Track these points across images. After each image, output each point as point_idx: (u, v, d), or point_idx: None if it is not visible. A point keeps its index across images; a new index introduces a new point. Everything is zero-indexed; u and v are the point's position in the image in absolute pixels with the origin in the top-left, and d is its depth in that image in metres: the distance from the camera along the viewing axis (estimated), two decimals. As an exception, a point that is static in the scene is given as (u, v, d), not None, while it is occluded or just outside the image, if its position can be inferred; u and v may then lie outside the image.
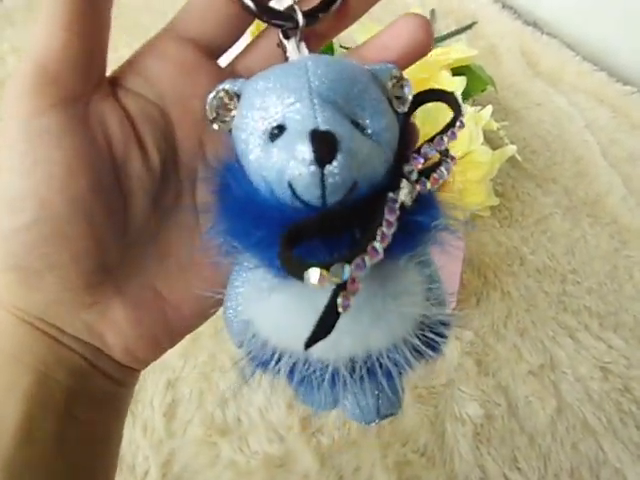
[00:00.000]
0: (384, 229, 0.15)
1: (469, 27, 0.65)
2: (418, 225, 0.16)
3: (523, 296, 0.45)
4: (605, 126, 0.57)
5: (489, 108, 0.43)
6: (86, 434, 0.20)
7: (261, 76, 0.17)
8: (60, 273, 0.18)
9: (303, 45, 0.19)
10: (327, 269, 0.13)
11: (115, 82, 0.19)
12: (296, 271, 0.14)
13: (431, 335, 0.18)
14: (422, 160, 0.17)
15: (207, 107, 0.18)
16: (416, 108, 0.19)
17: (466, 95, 0.46)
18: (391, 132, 0.17)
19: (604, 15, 0.61)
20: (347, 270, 0.14)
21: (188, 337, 0.40)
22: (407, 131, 0.18)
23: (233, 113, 0.18)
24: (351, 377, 0.17)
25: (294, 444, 0.38)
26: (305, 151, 0.14)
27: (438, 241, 0.17)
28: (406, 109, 0.18)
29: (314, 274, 0.13)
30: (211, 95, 0.18)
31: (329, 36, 0.21)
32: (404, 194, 0.16)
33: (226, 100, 0.18)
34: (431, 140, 0.17)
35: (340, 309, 0.14)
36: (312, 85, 0.16)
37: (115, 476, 0.22)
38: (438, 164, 0.17)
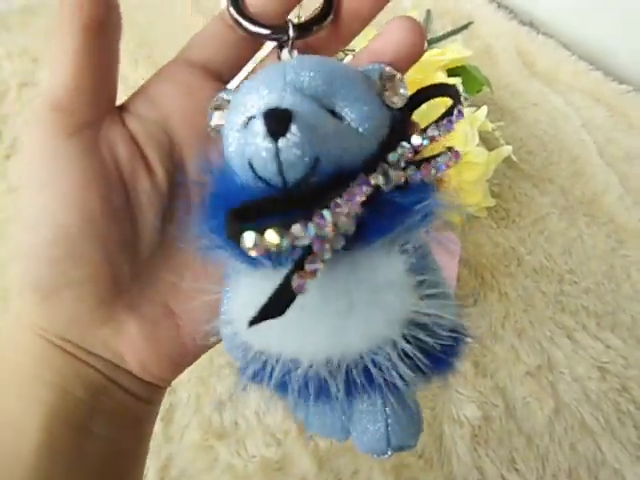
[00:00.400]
0: (339, 200, 0.14)
1: (465, 27, 0.65)
2: (396, 206, 0.16)
3: (520, 296, 0.45)
4: (601, 125, 0.57)
5: (484, 109, 0.43)
6: (107, 449, 0.20)
7: (249, 79, 0.18)
8: (76, 291, 0.19)
9: (295, 53, 0.20)
10: (262, 232, 0.13)
11: (124, 107, 0.20)
12: (234, 235, 0.13)
13: (429, 341, 0.16)
14: (410, 148, 0.16)
15: (208, 115, 0.19)
16: (418, 105, 0.19)
17: (462, 96, 0.46)
18: (374, 121, 0.17)
19: (600, 15, 0.61)
20: (286, 236, 0.13)
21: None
22: (404, 127, 0.18)
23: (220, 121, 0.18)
24: (334, 384, 0.15)
25: (292, 448, 0.38)
26: (258, 125, 0.14)
27: (426, 227, 0.16)
28: (400, 104, 0.18)
29: (249, 238, 0.13)
30: (210, 104, 0.19)
31: (325, 53, 0.21)
32: (379, 178, 0.15)
33: (223, 107, 0.18)
34: (424, 130, 0.17)
35: (295, 289, 0.13)
36: (287, 77, 0.16)
37: None
38: (437, 155, 0.17)
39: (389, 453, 0.17)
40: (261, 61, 0.22)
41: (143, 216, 0.20)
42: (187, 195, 0.21)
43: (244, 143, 0.15)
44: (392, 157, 0.16)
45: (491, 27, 0.64)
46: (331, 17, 0.20)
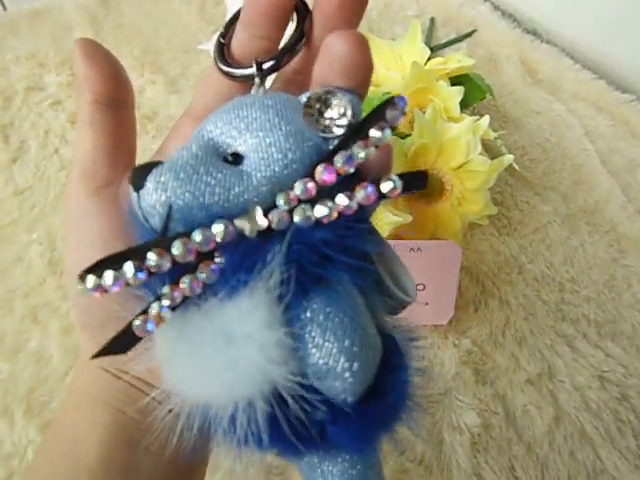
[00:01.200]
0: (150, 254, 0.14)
1: (469, 35, 0.65)
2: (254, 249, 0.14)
3: (521, 305, 0.45)
4: (604, 134, 0.57)
5: (487, 118, 0.44)
6: (161, 465, 0.22)
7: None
8: (114, 327, 0.20)
9: (261, 89, 0.19)
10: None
11: None
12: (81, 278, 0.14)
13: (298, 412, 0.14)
14: (312, 184, 0.15)
15: None
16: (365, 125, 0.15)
17: (465, 104, 0.46)
18: (270, 152, 0.15)
19: (604, 24, 0.61)
20: (122, 273, 0.14)
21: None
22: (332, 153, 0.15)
23: None
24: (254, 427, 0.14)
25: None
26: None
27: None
28: (335, 134, 0.16)
29: (89, 280, 0.14)
30: None
31: (305, 79, 0.21)
32: (244, 223, 0.14)
33: None
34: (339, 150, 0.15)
35: (136, 331, 0.14)
36: (205, 125, 0.17)
37: None
38: (333, 194, 0.15)
39: None
40: None
41: None
42: None
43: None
44: (277, 199, 0.15)
45: (495, 35, 0.65)
46: (302, 43, 0.20)
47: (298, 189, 0.14)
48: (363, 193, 0.14)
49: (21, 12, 0.65)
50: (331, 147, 0.16)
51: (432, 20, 0.65)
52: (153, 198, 0.15)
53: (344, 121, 0.16)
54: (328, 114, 0.16)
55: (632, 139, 0.56)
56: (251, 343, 0.14)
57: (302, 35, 0.20)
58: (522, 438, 0.39)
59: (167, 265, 0.14)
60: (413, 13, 0.66)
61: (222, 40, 0.21)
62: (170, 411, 0.16)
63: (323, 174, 0.14)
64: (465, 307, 0.44)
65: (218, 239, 0.14)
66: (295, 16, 0.20)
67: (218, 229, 0.14)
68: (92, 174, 0.21)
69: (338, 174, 0.15)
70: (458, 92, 0.45)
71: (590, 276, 0.47)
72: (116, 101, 0.22)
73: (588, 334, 0.44)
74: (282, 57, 0.20)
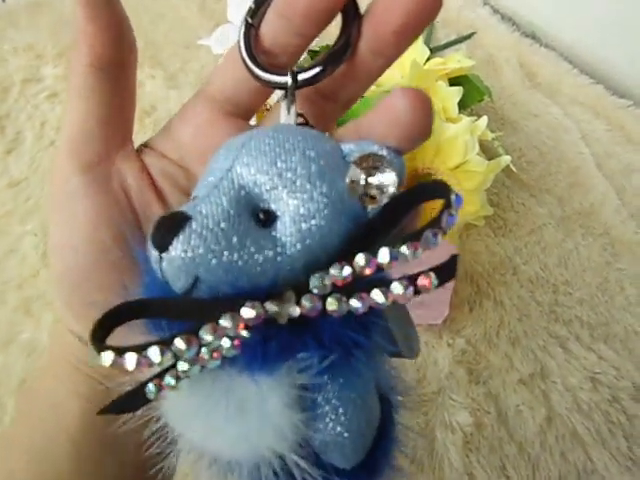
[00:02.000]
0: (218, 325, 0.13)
1: (468, 37, 0.65)
2: (289, 341, 0.14)
3: (515, 305, 0.45)
4: (600, 138, 0.57)
5: (485, 119, 0.44)
6: (140, 442, 0.21)
7: (235, 139, 0.16)
8: (98, 311, 0.20)
9: (293, 107, 0.17)
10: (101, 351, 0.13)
11: (147, 144, 0.22)
12: (97, 351, 0.13)
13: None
14: (349, 272, 0.13)
15: None
16: (405, 206, 0.14)
17: (463, 105, 0.47)
18: (309, 224, 0.14)
19: (602, 29, 0.62)
20: (144, 357, 0.13)
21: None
22: (369, 238, 0.14)
23: None
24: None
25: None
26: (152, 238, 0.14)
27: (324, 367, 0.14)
28: (378, 204, 0.14)
29: (107, 357, 0.13)
30: None
31: (344, 94, 0.19)
32: (273, 307, 0.13)
33: None
34: (375, 250, 0.13)
35: (148, 396, 0.14)
36: (234, 164, 0.15)
37: None
38: (370, 286, 0.13)
39: None
40: (269, 109, 0.22)
41: None
42: None
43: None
44: (312, 282, 0.13)
45: (494, 38, 0.65)
46: (346, 55, 0.17)
47: (335, 272, 0.13)
48: (400, 290, 0.13)
49: (20, 4, 0.64)
50: (369, 216, 0.14)
51: (432, 22, 0.66)
52: (179, 268, 0.13)
53: (391, 191, 0.14)
54: (375, 181, 0.14)
55: (628, 144, 0.57)
56: (266, 422, 0.14)
57: (348, 45, 0.17)
58: (514, 438, 0.39)
59: (194, 351, 0.13)
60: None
61: (250, 20, 0.18)
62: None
63: (365, 267, 0.13)
64: (460, 307, 0.45)
65: (247, 323, 0.13)
66: (342, 18, 0.17)
67: (248, 314, 0.13)
68: (83, 149, 0.20)
69: (378, 269, 0.13)
70: (457, 92, 0.45)
71: (584, 279, 0.47)
72: (116, 64, 0.19)
73: (581, 336, 0.44)
74: (323, 70, 0.17)
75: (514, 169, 0.51)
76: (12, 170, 0.51)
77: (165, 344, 0.13)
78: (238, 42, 0.18)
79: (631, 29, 0.59)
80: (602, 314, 0.45)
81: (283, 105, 0.17)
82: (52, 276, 0.21)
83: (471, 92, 0.49)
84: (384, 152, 0.15)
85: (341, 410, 0.14)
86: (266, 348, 0.13)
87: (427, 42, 0.62)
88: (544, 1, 0.66)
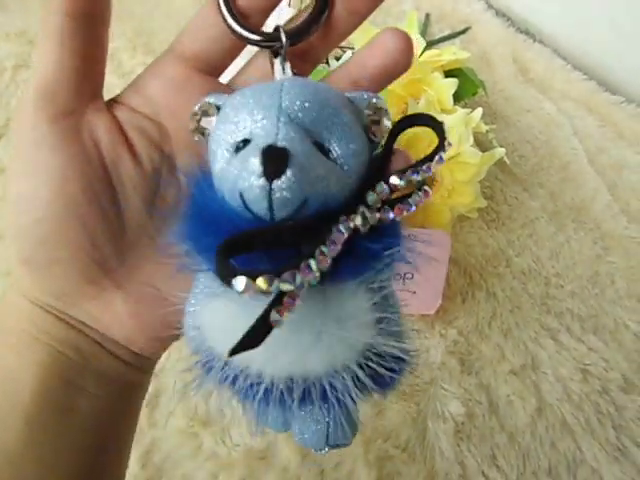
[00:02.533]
0: (323, 248, 0.15)
1: (463, 32, 0.65)
2: (369, 251, 0.16)
3: (508, 297, 0.46)
4: (593, 134, 0.57)
5: (479, 110, 0.44)
6: (99, 408, 0.21)
7: (239, 92, 0.18)
8: (63, 268, 0.20)
9: (288, 65, 0.19)
10: (254, 279, 0.13)
11: (117, 100, 0.21)
12: (225, 277, 0.14)
13: (379, 368, 0.17)
14: (387, 190, 0.17)
15: (189, 117, 0.18)
16: (400, 133, 0.18)
17: (457, 98, 0.47)
18: (358, 158, 0.17)
19: (595, 26, 0.62)
20: (275, 283, 0.14)
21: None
22: (384, 159, 0.18)
23: (206, 126, 0.18)
24: (290, 397, 0.17)
25: (276, 437, 0.38)
26: (255, 164, 0.15)
27: (392, 271, 0.17)
28: (381, 139, 0.18)
29: (240, 282, 0.13)
30: (195, 107, 0.18)
31: (317, 54, 0.21)
32: (358, 220, 0.16)
33: (209, 112, 0.18)
34: (403, 171, 0.17)
35: (273, 323, 0.14)
36: (282, 104, 0.16)
37: (127, 462, 0.24)
38: (408, 195, 0.17)
39: (326, 450, 0.19)
40: (252, 57, 0.22)
41: (127, 200, 0.20)
42: (176, 186, 0.21)
43: (237, 175, 0.16)
44: (370, 199, 0.16)
45: (488, 33, 0.65)
46: (324, 17, 0.19)
47: (380, 189, 0.17)
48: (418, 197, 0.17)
49: (11, -11, 0.63)
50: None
51: (427, 16, 0.66)
52: (294, 192, 0.15)
53: (385, 132, 0.18)
54: (384, 124, 0.18)
55: (619, 140, 0.57)
56: (355, 322, 0.16)
57: (326, 5, 0.19)
58: (505, 427, 0.40)
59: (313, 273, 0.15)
60: (409, 8, 0.67)
61: None
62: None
63: (396, 180, 0.17)
64: (452, 298, 0.45)
65: (342, 242, 0.16)
66: None
67: (356, 223, 0.16)
68: (53, 98, 0.19)
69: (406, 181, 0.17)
70: (452, 84, 0.45)
71: (575, 271, 0.48)
72: (92, 16, 0.19)
73: (572, 328, 0.44)
74: (309, 28, 0.19)
75: (508, 162, 0.51)
76: (1, 156, 0.50)
77: (292, 268, 0.14)
78: (217, 5, 0.19)
79: (624, 26, 0.59)
80: (592, 307, 0.46)
81: (277, 63, 0.19)
82: (11, 231, 0.20)
83: (465, 85, 0.49)
84: (379, 102, 0.18)
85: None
86: (355, 257, 0.16)
87: (422, 37, 0.62)
88: (538, -3, 0.66)
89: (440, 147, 0.17)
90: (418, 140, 0.42)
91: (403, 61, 0.19)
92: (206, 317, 0.18)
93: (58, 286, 0.20)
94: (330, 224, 0.16)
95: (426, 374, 0.41)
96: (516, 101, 0.60)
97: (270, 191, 0.15)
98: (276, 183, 0.15)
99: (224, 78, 0.22)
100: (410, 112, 0.41)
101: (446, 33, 0.65)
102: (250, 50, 0.21)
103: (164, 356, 0.40)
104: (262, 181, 0.15)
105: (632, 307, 0.46)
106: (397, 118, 0.48)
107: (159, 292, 0.21)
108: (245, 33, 0.19)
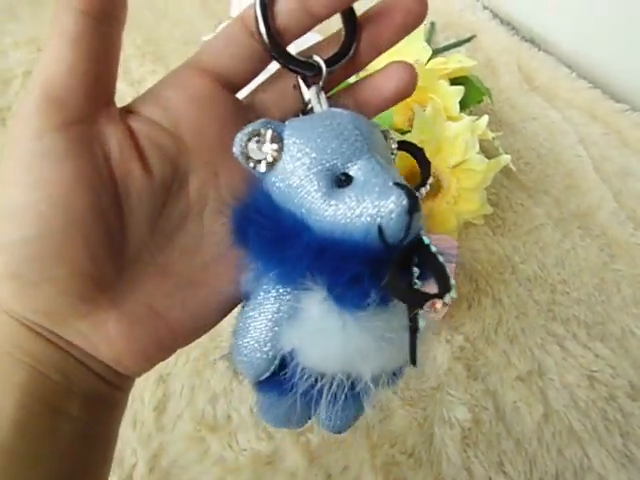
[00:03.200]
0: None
1: (468, 40, 0.66)
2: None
3: (514, 304, 0.46)
4: (597, 142, 0.58)
5: (485, 118, 0.44)
6: (80, 431, 0.20)
7: (309, 124, 0.19)
8: (56, 286, 0.18)
9: (323, 95, 0.20)
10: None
11: (131, 108, 0.20)
12: (401, 293, 0.16)
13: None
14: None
15: (240, 145, 0.18)
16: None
17: (463, 105, 0.47)
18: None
19: (600, 35, 0.63)
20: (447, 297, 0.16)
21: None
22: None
23: (271, 155, 0.18)
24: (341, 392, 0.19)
25: (282, 442, 0.38)
26: (403, 200, 0.16)
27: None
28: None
29: (438, 304, 0.16)
30: (246, 131, 0.18)
31: (333, 84, 0.22)
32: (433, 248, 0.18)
33: (266, 140, 0.18)
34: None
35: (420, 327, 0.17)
36: (367, 140, 0.18)
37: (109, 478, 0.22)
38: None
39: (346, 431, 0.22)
40: (271, 76, 0.22)
41: (133, 217, 0.19)
42: (186, 203, 0.20)
43: (375, 209, 0.17)
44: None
45: (494, 41, 0.66)
46: (353, 47, 0.20)
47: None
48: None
49: (22, -3, 0.64)
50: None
51: (432, 24, 0.66)
52: (413, 223, 0.17)
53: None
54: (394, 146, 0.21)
55: (624, 148, 0.57)
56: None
57: (354, 35, 0.20)
58: (511, 434, 0.39)
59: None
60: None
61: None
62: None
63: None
64: (459, 304, 0.45)
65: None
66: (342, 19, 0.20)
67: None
68: (63, 104, 0.17)
69: None
70: (458, 92, 0.45)
71: (581, 278, 0.48)
72: (108, 14, 0.18)
73: (578, 334, 0.44)
74: (342, 58, 0.20)
75: (513, 168, 0.51)
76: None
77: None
78: (256, 24, 0.19)
79: (628, 35, 0.60)
80: (599, 313, 0.46)
81: (313, 92, 0.20)
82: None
83: (471, 92, 0.49)
84: (391, 132, 0.21)
85: None
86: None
87: (428, 44, 0.62)
88: (543, 6, 0.67)
89: (424, 181, 0.20)
90: (425, 147, 0.42)
91: (410, 90, 0.21)
92: (302, 336, 0.18)
93: (48, 304, 0.19)
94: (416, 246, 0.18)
95: (432, 380, 0.41)
96: (521, 109, 0.60)
97: (409, 223, 0.17)
98: (413, 216, 0.17)
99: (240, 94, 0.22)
100: (416, 120, 0.41)
101: (452, 41, 0.65)
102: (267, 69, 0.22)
103: (171, 361, 0.41)
104: (407, 216, 0.17)
105: (639, 314, 0.46)
106: (404, 126, 0.48)
107: (155, 311, 0.20)
108: (283, 59, 0.20)
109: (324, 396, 0.18)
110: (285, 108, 0.22)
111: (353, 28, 0.20)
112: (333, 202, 0.17)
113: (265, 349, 0.19)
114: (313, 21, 0.19)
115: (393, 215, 0.16)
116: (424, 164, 0.21)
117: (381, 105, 0.22)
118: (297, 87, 0.20)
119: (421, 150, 0.21)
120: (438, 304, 0.16)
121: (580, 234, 0.51)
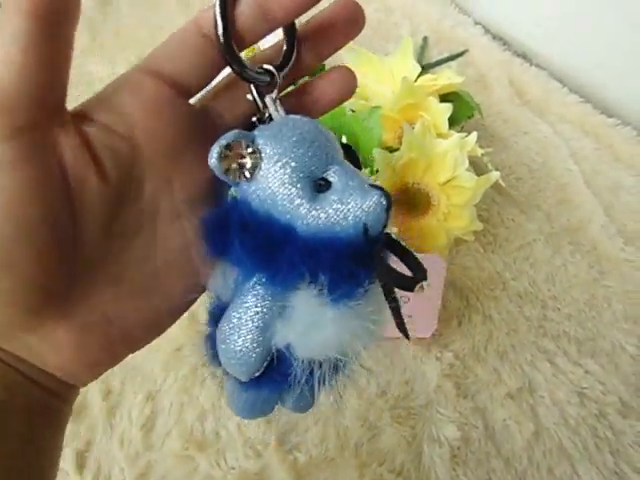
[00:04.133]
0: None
1: (460, 55, 0.66)
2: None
3: (504, 320, 0.46)
4: (589, 156, 0.58)
5: (474, 134, 0.45)
6: (23, 448, 0.19)
7: (282, 133, 0.19)
8: (3, 297, 0.18)
9: (279, 102, 0.21)
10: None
11: (84, 113, 0.19)
12: (407, 285, 0.18)
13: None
14: None
15: (216, 157, 0.18)
16: None
17: (454, 121, 0.47)
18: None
19: (591, 49, 0.63)
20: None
21: (170, 350, 0.40)
22: None
23: (251, 165, 0.19)
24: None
25: (271, 460, 0.38)
26: (383, 200, 0.18)
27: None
28: None
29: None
30: (222, 143, 0.18)
31: (283, 88, 0.22)
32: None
33: (242, 151, 0.19)
34: None
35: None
36: (333, 146, 0.20)
37: None
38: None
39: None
40: (221, 82, 0.22)
41: (87, 225, 0.19)
42: (140, 209, 0.20)
43: (360, 209, 0.18)
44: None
45: (485, 56, 0.66)
46: (294, 56, 0.21)
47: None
48: None
49: None
50: None
51: (425, 39, 0.67)
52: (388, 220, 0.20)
53: None
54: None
55: (615, 162, 0.58)
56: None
57: (293, 46, 0.21)
58: (501, 452, 0.39)
59: None
60: (406, 32, 0.68)
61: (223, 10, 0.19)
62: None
63: None
64: (448, 321, 0.45)
65: None
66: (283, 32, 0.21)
67: None
68: (13, 110, 0.16)
69: None
70: (447, 109, 0.45)
71: (571, 295, 0.48)
72: (58, 14, 0.17)
73: (568, 351, 0.44)
74: (286, 65, 0.21)
75: (503, 185, 0.52)
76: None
77: None
78: (215, 26, 0.19)
79: (619, 50, 0.60)
80: (589, 329, 0.46)
81: (269, 100, 0.21)
82: None
83: (461, 108, 0.50)
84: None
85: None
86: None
87: (419, 60, 0.63)
88: (535, 22, 0.67)
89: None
90: (414, 165, 0.42)
91: (350, 94, 0.22)
92: (297, 331, 0.19)
93: None
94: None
95: (422, 397, 0.41)
96: (513, 123, 0.60)
97: (387, 220, 0.19)
98: (389, 214, 0.19)
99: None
100: (405, 137, 0.41)
101: (444, 56, 0.66)
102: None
103: (160, 379, 0.41)
104: (386, 214, 0.19)
105: (629, 330, 0.46)
106: (393, 143, 0.48)
107: (107, 318, 0.20)
108: (240, 69, 0.20)
109: (316, 379, 0.20)
110: (238, 114, 0.22)
111: (293, 36, 0.21)
112: (318, 207, 0.19)
113: (258, 349, 0.19)
114: (270, 26, 0.20)
115: (376, 213, 0.18)
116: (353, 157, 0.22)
117: (325, 108, 0.23)
118: (252, 95, 0.21)
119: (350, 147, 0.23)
120: (424, 285, 0.18)
121: (571, 250, 0.51)
